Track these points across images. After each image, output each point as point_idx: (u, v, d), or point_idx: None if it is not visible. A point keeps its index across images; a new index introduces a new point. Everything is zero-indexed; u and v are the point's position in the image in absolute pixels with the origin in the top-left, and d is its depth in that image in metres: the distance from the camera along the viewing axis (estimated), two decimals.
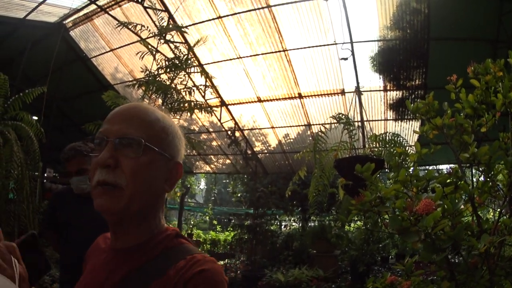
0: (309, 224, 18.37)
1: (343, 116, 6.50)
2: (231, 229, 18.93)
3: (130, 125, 1.32)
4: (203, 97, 11.98)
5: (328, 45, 11.04)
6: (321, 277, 11.54)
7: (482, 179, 2.50)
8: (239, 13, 10.92)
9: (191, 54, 8.85)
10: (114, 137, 1.30)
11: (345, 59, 10.28)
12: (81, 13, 12.21)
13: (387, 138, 6.09)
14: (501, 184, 2.46)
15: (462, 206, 2.31)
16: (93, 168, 1.33)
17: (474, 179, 2.59)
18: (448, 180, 2.35)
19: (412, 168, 2.71)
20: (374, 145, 6.07)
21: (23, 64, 11.48)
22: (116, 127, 1.32)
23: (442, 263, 2.30)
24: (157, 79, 7.95)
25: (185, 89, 8.26)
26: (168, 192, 1.45)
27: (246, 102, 14.43)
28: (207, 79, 11.01)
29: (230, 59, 12.56)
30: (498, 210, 2.47)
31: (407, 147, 6.06)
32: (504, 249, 2.39)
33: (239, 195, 19.69)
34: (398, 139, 6.14)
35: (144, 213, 1.36)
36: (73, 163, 3.80)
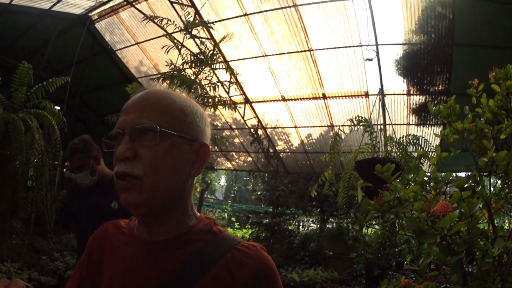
0: (327, 226, 18.34)
1: (363, 119, 6.47)
2: (249, 226, 18.93)
3: (143, 112, 1.28)
4: (227, 93, 12.01)
5: (353, 46, 10.99)
6: (335, 279, 11.53)
7: (500, 185, 2.50)
8: (265, 11, 10.92)
9: (217, 50, 8.87)
10: (128, 128, 1.26)
11: (370, 59, 10.26)
12: (107, 6, 12.29)
13: (406, 140, 6.04)
14: None
15: (479, 212, 2.31)
16: (114, 163, 1.28)
17: (492, 188, 2.56)
18: (466, 185, 2.35)
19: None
20: (392, 149, 6.04)
21: (47, 54, 11.58)
22: (130, 117, 1.28)
23: (456, 266, 2.30)
24: (181, 73, 7.98)
25: (209, 85, 8.29)
26: (195, 176, 1.39)
27: (270, 101, 14.42)
28: (232, 76, 11.02)
29: (256, 57, 12.56)
30: None
31: (428, 151, 5.99)
32: None
33: (259, 193, 19.64)
34: (418, 141, 6.10)
35: (173, 201, 1.33)
36: (73, 161, 3.90)
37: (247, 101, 14.53)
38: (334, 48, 11.33)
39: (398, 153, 5.93)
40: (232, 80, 11.58)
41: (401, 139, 6.01)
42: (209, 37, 10.47)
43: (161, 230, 1.34)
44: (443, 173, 2.54)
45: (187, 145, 1.32)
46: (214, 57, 8.31)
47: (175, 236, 1.34)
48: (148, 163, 1.23)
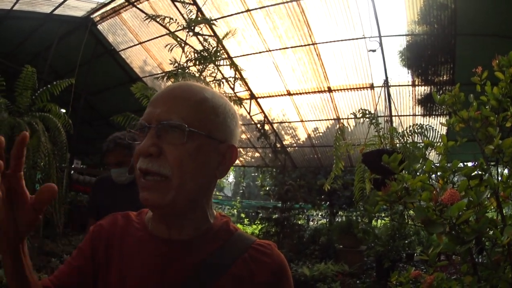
0: (337, 219, 18.32)
1: (367, 111, 6.44)
2: (259, 222, 18.92)
3: (173, 107, 1.22)
4: (233, 89, 12.05)
5: (357, 39, 10.97)
6: (346, 272, 11.50)
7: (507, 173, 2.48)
8: (267, 6, 10.91)
9: (220, 46, 8.84)
10: (155, 123, 1.20)
11: (373, 50, 10.24)
12: (108, 7, 12.35)
13: (413, 129, 6.02)
14: None
15: (487, 200, 2.29)
16: (135, 156, 1.23)
17: (500, 177, 2.55)
18: (473, 173, 2.34)
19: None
20: (398, 140, 6.02)
21: (50, 58, 11.62)
22: (158, 110, 1.22)
23: (465, 255, 2.29)
24: (186, 71, 7.96)
25: (214, 81, 8.27)
26: (219, 179, 1.35)
27: (276, 95, 14.45)
28: (237, 72, 11.01)
29: (260, 52, 12.56)
30: None
31: (435, 141, 5.95)
32: None
33: (267, 188, 19.63)
34: (423, 130, 6.06)
35: (195, 203, 1.29)
36: (113, 155, 3.83)
37: (252, 96, 14.53)
38: (338, 41, 11.31)
39: (402, 143, 5.90)
40: (236, 76, 11.60)
41: (406, 130, 5.99)
42: (212, 34, 10.47)
43: (181, 230, 1.31)
44: (449, 164, 2.54)
45: (214, 146, 1.27)
46: (218, 54, 8.29)
47: (195, 236, 1.32)
48: (175, 162, 1.18)
